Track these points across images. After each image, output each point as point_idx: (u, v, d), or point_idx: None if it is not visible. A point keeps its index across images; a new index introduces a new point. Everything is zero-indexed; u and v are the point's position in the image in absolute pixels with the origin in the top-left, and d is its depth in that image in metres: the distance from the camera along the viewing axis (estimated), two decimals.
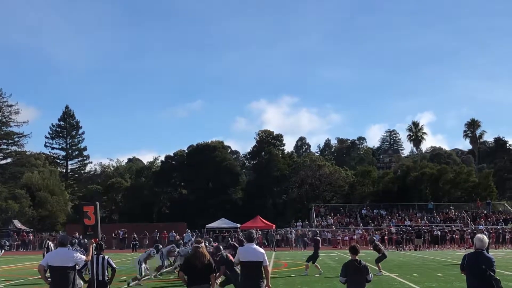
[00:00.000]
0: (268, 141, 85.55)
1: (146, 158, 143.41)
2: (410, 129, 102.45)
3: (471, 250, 9.07)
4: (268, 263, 10.28)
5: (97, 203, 11.25)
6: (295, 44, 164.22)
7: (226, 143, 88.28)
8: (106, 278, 11.76)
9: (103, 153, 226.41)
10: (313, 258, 22.93)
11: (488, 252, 8.91)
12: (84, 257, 10.44)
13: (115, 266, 12.03)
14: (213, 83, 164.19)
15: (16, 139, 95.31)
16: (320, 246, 24.64)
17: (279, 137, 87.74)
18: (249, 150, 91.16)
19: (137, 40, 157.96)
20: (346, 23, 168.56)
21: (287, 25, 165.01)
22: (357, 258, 10.18)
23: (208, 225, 57.25)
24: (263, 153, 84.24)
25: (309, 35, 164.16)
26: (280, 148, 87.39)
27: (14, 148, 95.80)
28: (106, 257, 11.95)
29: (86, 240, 11.58)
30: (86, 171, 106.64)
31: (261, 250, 10.19)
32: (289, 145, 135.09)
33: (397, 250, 46.89)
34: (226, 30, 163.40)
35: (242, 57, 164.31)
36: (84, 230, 11.06)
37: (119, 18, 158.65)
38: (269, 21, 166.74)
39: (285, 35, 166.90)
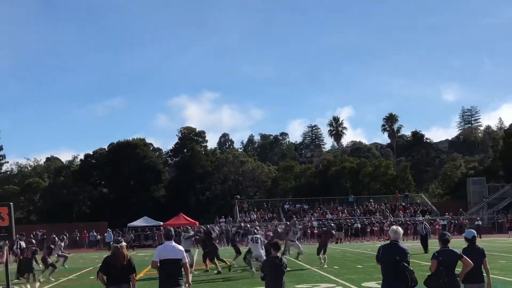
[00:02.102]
0: (190, 138, 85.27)
1: (65, 157, 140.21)
2: (330, 124, 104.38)
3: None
4: (187, 261, 10.25)
5: (11, 204, 10.97)
6: (215, 41, 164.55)
7: (147, 140, 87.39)
8: None
9: (19, 153, 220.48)
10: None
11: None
12: None
13: None
14: (133, 79, 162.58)
15: None
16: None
17: (201, 134, 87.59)
18: (171, 147, 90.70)
19: (55, 36, 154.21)
20: (266, 20, 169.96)
21: (208, 21, 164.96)
22: (278, 254, 10.27)
23: (129, 223, 56.47)
24: (185, 150, 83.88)
25: (229, 31, 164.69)
26: (203, 144, 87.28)
27: None
28: None
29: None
30: (2, 171, 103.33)
31: (180, 247, 10.14)
32: (211, 142, 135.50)
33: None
34: (146, 26, 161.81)
35: (162, 52, 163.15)
36: None
37: (36, 13, 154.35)
38: (190, 17, 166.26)
39: (205, 31, 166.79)
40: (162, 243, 10.29)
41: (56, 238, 25.27)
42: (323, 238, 25.16)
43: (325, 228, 26.40)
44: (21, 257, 21.86)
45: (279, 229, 27.98)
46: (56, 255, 26.73)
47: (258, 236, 21.74)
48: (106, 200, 77.20)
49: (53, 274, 22.85)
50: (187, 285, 10.17)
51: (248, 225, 28.85)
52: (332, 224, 30.78)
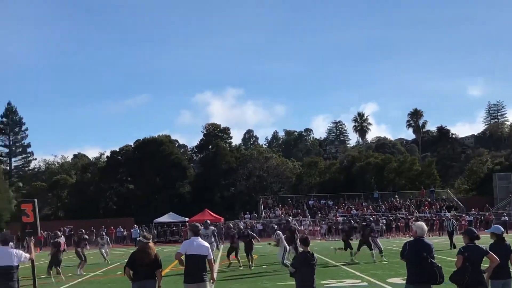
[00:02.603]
0: (215, 134, 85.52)
1: (91, 153, 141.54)
2: (355, 120, 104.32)
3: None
4: (212, 257, 10.33)
5: (35, 200, 11.10)
6: (239, 37, 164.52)
7: (173, 137, 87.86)
8: None
9: (47, 150, 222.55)
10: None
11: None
12: (28, 255, 10.28)
13: None
14: (157, 76, 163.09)
15: None
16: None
17: (226, 130, 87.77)
18: (196, 144, 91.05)
19: (80, 33, 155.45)
20: (290, 15, 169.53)
21: (231, 17, 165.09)
22: (308, 249, 10.22)
23: (155, 219, 56.91)
24: (210, 147, 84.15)
25: (253, 27, 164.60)
26: (228, 141, 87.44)
27: None
28: None
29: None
30: (30, 168, 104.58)
31: (206, 244, 10.22)
32: (236, 138, 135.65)
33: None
34: (171, 23, 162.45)
35: (186, 49, 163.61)
36: (23, 228, 10.91)
37: (61, 12, 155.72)
38: (214, 14, 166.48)
39: (229, 28, 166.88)
40: (188, 239, 10.37)
41: (84, 233, 25.59)
42: (365, 234, 24.61)
43: (364, 223, 25.90)
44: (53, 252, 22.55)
45: (275, 226, 27.63)
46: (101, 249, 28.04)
47: (279, 232, 21.83)
48: (132, 196, 77.82)
49: (83, 268, 23.29)
50: (211, 281, 10.27)
51: (290, 218, 28.36)
52: (371, 218, 30.09)
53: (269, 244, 22.76)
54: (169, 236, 54.28)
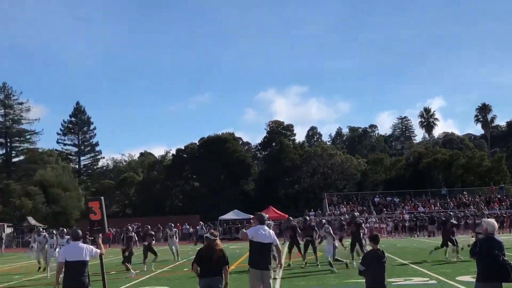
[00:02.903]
0: (278, 132, 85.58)
1: (157, 152, 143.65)
2: (421, 115, 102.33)
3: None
4: (278, 242, 10.45)
5: (102, 198, 11.31)
6: (301, 34, 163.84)
7: (236, 135, 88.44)
8: None
9: (115, 148, 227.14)
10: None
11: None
12: (99, 250, 10.48)
13: None
14: (221, 75, 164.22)
15: (28, 137, 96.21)
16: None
17: (289, 127, 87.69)
18: (260, 141, 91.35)
19: (145, 34, 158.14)
20: (352, 10, 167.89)
21: (293, 14, 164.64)
22: (378, 247, 10.07)
23: (220, 217, 57.38)
24: (274, 144, 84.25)
25: (315, 24, 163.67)
26: (291, 138, 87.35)
27: (26, 145, 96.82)
28: None
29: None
30: (98, 166, 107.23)
31: (271, 231, 10.40)
32: (300, 135, 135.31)
33: (411, 237, 46.83)
34: (233, 21, 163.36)
35: (249, 48, 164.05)
36: (90, 226, 11.13)
37: (127, 12, 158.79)
38: (275, 11, 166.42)
39: (292, 25, 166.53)
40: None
41: (150, 229, 25.99)
42: (446, 230, 23.57)
43: (444, 219, 24.93)
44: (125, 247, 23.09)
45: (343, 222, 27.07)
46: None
47: (328, 226, 21.58)
48: (197, 194, 78.76)
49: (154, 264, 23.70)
50: (279, 266, 10.40)
51: (356, 213, 27.78)
52: (450, 213, 28.35)
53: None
54: (234, 233, 54.60)
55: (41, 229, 28.24)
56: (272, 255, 11.43)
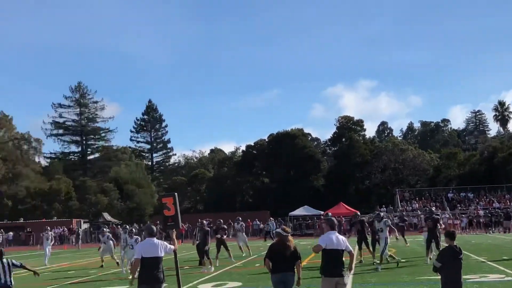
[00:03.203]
0: (348, 127, 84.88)
1: (227, 148, 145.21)
2: (496, 109, 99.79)
3: None
4: (351, 249, 10.29)
5: (176, 194, 11.48)
6: (369, 27, 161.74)
7: (305, 131, 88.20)
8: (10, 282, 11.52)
9: (186, 145, 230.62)
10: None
11: None
12: (173, 246, 10.66)
13: (18, 264, 11.84)
14: (289, 71, 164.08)
15: (103, 135, 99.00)
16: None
17: (359, 123, 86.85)
18: (329, 137, 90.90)
19: (213, 32, 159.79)
20: (423, 1, 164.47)
21: (362, 7, 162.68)
22: (455, 243, 9.90)
23: (291, 213, 57.42)
24: (343, 139, 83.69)
25: (383, 16, 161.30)
26: (361, 133, 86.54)
27: (101, 143, 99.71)
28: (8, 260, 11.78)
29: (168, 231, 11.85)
30: (170, 163, 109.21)
31: (344, 238, 10.21)
32: (370, 130, 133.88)
33: (486, 233, 45.72)
34: (300, 17, 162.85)
35: (317, 43, 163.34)
36: (164, 221, 11.33)
37: (195, 11, 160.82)
38: (343, 5, 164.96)
39: (359, 19, 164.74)
40: (323, 232, 10.39)
41: (222, 223, 26.21)
42: None
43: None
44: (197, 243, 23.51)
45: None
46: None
47: (388, 220, 21.11)
48: (267, 190, 79.08)
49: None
50: (349, 271, 10.26)
51: (433, 208, 26.89)
52: None
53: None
54: (304, 229, 54.59)
55: (104, 229, 28.88)
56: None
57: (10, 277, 11.45)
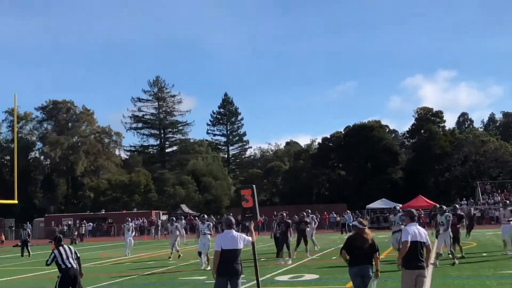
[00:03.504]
0: (427, 118, 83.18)
1: (303, 141, 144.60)
2: None
3: None
4: (430, 243, 10.08)
5: (254, 186, 11.52)
6: (448, 16, 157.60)
7: (383, 122, 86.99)
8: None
9: (261, 138, 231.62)
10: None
11: None
12: (251, 238, 10.70)
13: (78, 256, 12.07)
14: (365, 62, 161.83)
15: (180, 128, 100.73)
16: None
17: (438, 114, 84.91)
18: (407, 129, 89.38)
19: (289, 24, 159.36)
20: None
21: None
22: None
23: (368, 205, 56.87)
24: (422, 131, 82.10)
25: (463, 5, 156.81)
26: (440, 125, 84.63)
27: (179, 136, 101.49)
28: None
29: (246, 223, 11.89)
30: (246, 156, 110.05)
31: (424, 230, 10.04)
32: (449, 122, 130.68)
33: None
34: (377, 6, 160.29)
35: (395, 33, 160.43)
36: (242, 213, 11.38)
37: (271, 3, 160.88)
38: None
39: (436, 7, 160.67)
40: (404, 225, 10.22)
41: (305, 216, 25.98)
42: None
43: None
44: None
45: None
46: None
47: (450, 214, 20.32)
48: (344, 182, 78.65)
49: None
50: (426, 265, 10.12)
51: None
52: None
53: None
54: (382, 222, 53.90)
55: (173, 218, 29.21)
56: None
57: (73, 260, 11.81)
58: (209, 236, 21.73)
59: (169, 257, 25.77)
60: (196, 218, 58.83)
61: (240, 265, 10.28)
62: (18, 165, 49.14)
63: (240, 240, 10.31)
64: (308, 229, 25.36)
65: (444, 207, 21.25)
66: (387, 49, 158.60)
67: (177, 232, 26.99)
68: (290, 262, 21.39)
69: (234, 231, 10.40)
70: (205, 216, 24.29)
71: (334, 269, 18.60)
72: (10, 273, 23.13)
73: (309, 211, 29.28)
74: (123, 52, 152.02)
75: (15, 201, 41.49)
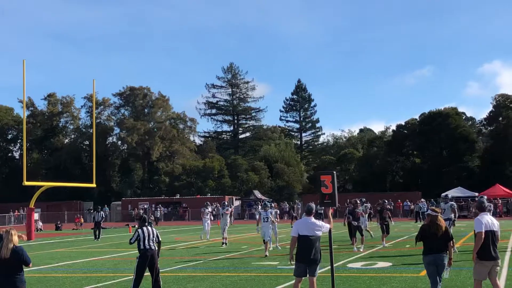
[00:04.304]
0: (505, 106, 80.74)
1: (377, 128, 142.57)
2: None
3: None
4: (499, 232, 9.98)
5: (334, 172, 11.58)
6: None
7: (459, 110, 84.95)
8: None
9: (334, 125, 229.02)
10: None
11: None
12: (329, 225, 10.82)
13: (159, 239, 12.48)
14: (442, 47, 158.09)
15: (253, 114, 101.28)
16: None
17: None
18: (485, 116, 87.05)
19: (364, 10, 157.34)
20: None
21: None
22: None
23: (443, 194, 55.89)
24: (500, 119, 79.80)
25: None
26: None
27: (252, 122, 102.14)
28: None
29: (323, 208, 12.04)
30: (319, 142, 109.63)
31: (496, 221, 9.97)
32: None
33: None
34: None
35: (473, 18, 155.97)
36: (321, 199, 11.45)
37: None
38: None
39: None
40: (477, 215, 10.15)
41: (386, 203, 25.67)
42: None
43: None
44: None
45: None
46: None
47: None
48: (418, 170, 77.51)
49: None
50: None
51: None
52: None
53: None
54: (458, 211, 52.79)
55: (225, 203, 29.27)
56: None
57: (153, 242, 12.27)
58: (270, 224, 21.92)
59: (222, 243, 25.69)
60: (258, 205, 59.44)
61: (319, 253, 10.39)
62: (97, 150, 51.04)
63: (319, 227, 10.43)
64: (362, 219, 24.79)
65: (450, 195, 21.26)
66: (463, 35, 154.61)
67: (228, 218, 27.22)
68: (362, 249, 21.42)
69: (313, 218, 10.55)
70: (266, 203, 24.40)
71: (407, 258, 18.51)
72: (87, 255, 24.04)
73: (364, 199, 28.82)
74: (199, 39, 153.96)
75: (94, 185, 43.12)
